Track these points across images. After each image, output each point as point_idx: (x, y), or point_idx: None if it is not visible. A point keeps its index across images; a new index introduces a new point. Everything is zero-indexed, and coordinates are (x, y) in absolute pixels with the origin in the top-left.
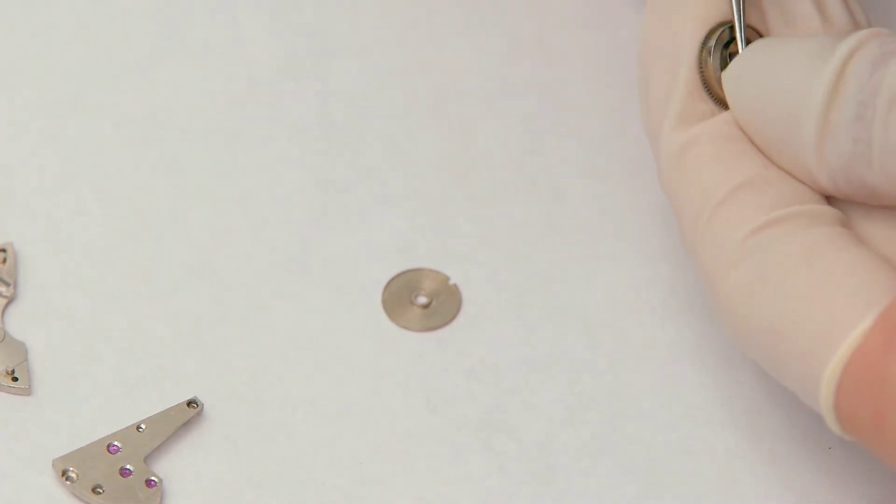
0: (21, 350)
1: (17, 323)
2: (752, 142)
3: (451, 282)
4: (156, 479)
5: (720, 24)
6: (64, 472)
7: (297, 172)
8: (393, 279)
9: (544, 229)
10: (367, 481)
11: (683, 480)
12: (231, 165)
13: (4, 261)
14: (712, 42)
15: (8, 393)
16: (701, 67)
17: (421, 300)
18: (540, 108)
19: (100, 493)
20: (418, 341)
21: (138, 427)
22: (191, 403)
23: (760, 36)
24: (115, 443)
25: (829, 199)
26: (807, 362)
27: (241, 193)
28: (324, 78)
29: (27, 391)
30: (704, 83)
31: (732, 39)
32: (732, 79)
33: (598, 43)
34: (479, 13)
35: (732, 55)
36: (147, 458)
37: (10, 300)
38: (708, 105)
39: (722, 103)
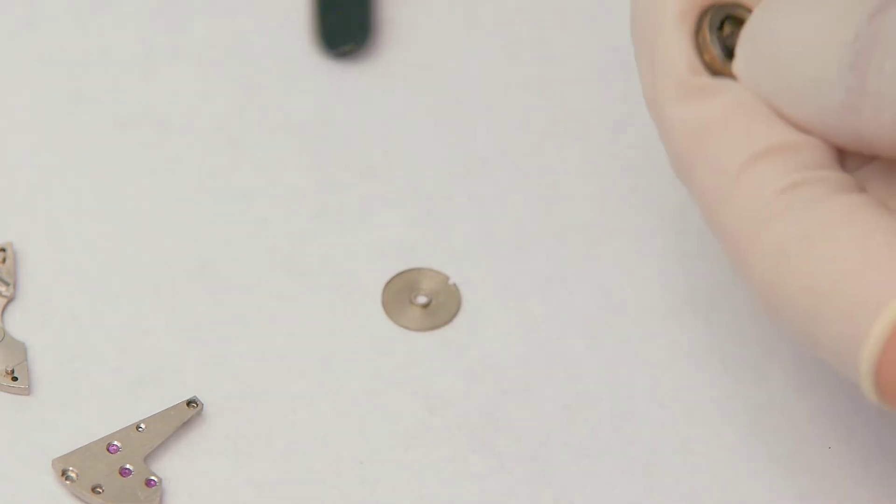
0: (21, 350)
1: (17, 323)
2: (770, 108)
3: (451, 282)
4: (156, 479)
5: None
6: (64, 472)
7: (297, 172)
8: (393, 279)
9: (544, 229)
10: (367, 481)
11: (683, 480)
12: (231, 165)
13: (4, 260)
14: (707, 19)
15: (8, 393)
16: (698, 42)
17: (421, 300)
18: (540, 108)
19: (99, 492)
20: (418, 341)
21: (138, 427)
22: (190, 403)
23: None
24: (115, 442)
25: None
26: (848, 324)
27: (241, 193)
28: (323, 78)
29: (27, 391)
30: (702, 59)
31: (723, 21)
32: (750, 38)
33: (599, 43)
34: (479, 13)
35: (725, 37)
36: (147, 458)
37: (10, 300)
38: (709, 79)
39: (721, 76)
